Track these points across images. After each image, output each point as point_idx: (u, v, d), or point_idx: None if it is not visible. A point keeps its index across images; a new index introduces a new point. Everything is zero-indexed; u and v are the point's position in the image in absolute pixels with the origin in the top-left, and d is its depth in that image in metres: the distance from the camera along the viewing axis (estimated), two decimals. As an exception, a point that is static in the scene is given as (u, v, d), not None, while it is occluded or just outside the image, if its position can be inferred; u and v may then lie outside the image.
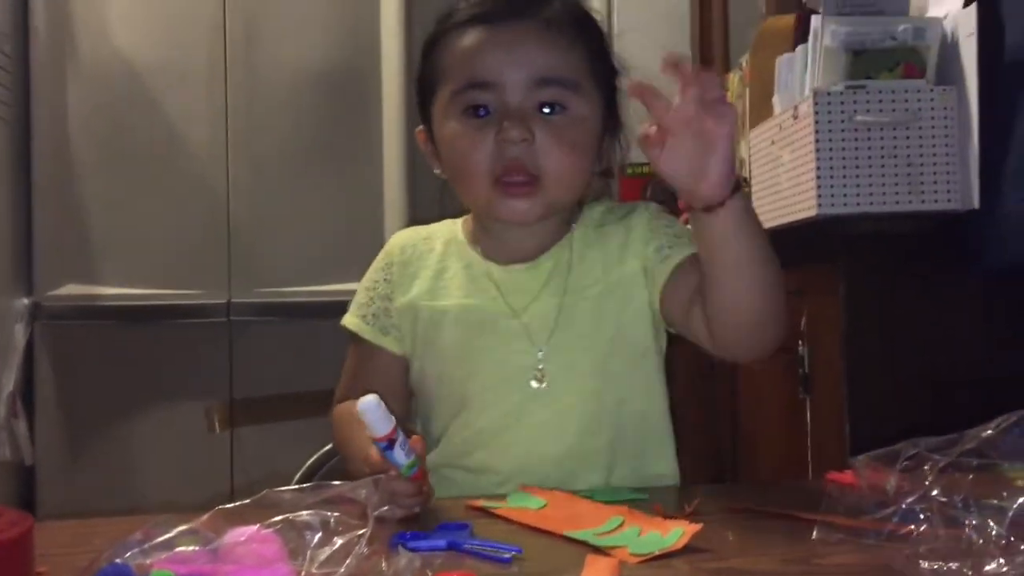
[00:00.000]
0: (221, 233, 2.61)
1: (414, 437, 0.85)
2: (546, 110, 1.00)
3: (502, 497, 0.91)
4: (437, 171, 1.08)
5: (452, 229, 1.12)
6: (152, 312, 2.55)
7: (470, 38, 1.01)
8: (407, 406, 1.11)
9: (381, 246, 2.99)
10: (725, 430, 2.07)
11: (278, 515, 0.62)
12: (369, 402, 0.80)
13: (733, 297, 0.91)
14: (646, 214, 1.07)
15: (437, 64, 1.04)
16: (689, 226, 0.95)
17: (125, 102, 2.61)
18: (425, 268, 1.09)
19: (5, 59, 2.47)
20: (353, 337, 1.11)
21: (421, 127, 1.10)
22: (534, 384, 1.02)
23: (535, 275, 1.05)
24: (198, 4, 2.64)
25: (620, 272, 1.04)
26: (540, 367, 1.02)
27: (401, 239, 1.14)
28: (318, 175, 2.65)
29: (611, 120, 1.07)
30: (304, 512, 0.63)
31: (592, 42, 1.04)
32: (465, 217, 1.14)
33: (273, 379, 2.58)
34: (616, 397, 1.04)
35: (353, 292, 2.88)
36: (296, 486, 0.64)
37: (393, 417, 0.81)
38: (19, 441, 2.45)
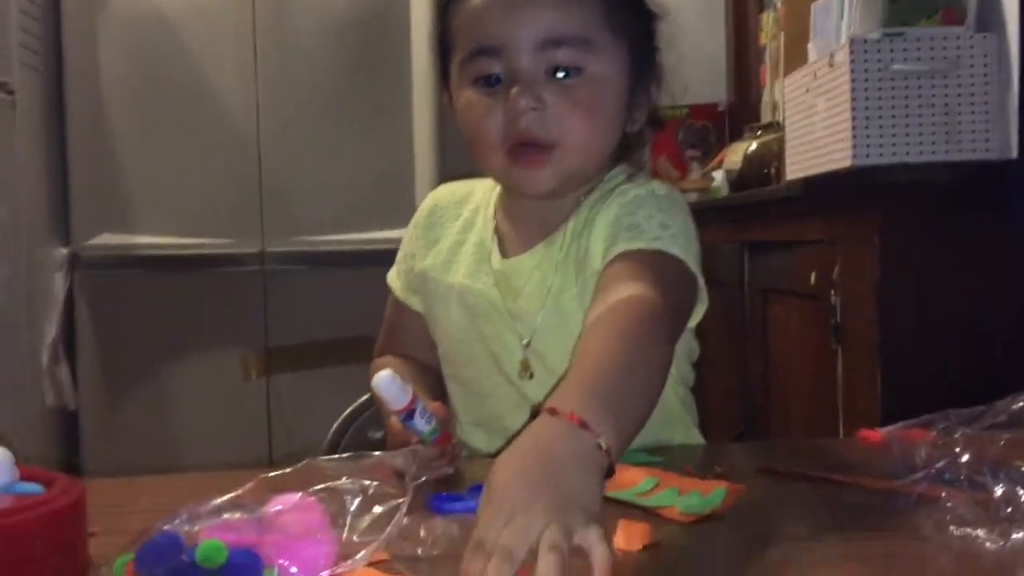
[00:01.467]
0: (253, 182, 2.62)
1: (435, 404, 0.86)
2: (560, 74, 0.93)
3: None
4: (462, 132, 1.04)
5: (488, 194, 1.09)
6: (187, 261, 2.59)
7: (478, 5, 0.95)
8: (437, 358, 1.12)
9: (411, 194, 2.99)
10: (756, 380, 2.08)
11: (319, 484, 0.63)
12: (384, 378, 0.81)
13: None
14: (630, 196, 0.97)
15: (449, 27, 0.99)
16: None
17: (155, 49, 2.61)
18: (446, 237, 1.08)
19: (36, 9, 2.47)
20: (391, 294, 1.13)
21: (446, 94, 1.04)
22: (520, 378, 0.99)
23: (529, 264, 1.00)
24: (226, -51, 2.63)
25: (593, 269, 0.95)
26: (525, 360, 0.99)
27: (436, 199, 1.13)
28: (348, 123, 2.65)
29: (643, 70, 0.99)
30: (345, 480, 0.64)
31: None
32: None
33: (307, 327, 2.61)
34: None
35: (383, 240, 2.89)
36: (336, 456, 0.66)
37: (410, 387, 0.82)
38: (62, 387, 2.51)
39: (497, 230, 1.04)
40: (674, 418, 1.03)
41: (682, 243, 0.91)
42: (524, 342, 0.99)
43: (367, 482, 0.63)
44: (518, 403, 1.00)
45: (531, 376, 0.98)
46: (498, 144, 0.94)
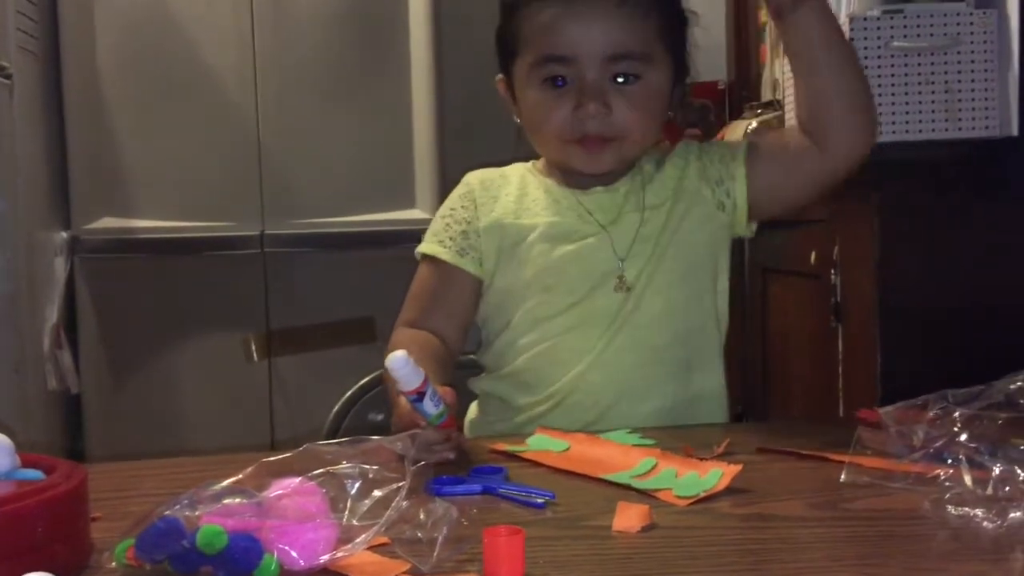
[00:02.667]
0: (253, 165, 2.62)
1: (445, 388, 0.87)
2: (620, 79, 1.07)
3: (522, 439, 0.93)
4: (517, 120, 1.14)
5: (524, 167, 1.19)
6: (187, 244, 2.58)
7: (548, 13, 1.06)
8: (467, 333, 1.16)
9: (411, 176, 2.98)
10: (756, 359, 2.08)
11: (319, 468, 0.64)
12: (398, 358, 0.81)
13: (831, 72, 1.04)
14: (685, 147, 1.16)
15: (517, 31, 1.10)
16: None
17: (153, 32, 2.60)
18: (506, 193, 1.15)
19: (32, -8, 2.46)
20: (428, 262, 1.14)
21: (501, 76, 1.16)
22: (616, 292, 1.08)
23: (614, 197, 1.12)
24: (222, -70, 2.61)
25: (682, 186, 1.12)
26: (622, 275, 1.09)
27: (477, 175, 1.19)
28: (347, 105, 2.64)
29: (681, 71, 1.13)
30: (344, 464, 0.65)
31: (666, 8, 1.09)
32: (534, 160, 1.19)
33: (308, 309, 2.62)
34: (687, 307, 1.11)
35: (383, 222, 2.87)
36: (335, 440, 0.66)
37: (422, 370, 0.83)
38: (64, 371, 2.51)
39: (559, 180, 1.14)
40: (714, 346, 1.13)
41: None
42: (620, 257, 1.09)
43: (367, 466, 0.64)
44: (606, 317, 1.08)
45: (628, 289, 1.08)
46: (564, 137, 1.08)
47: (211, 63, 2.60)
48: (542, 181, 1.15)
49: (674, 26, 1.11)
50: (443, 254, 1.12)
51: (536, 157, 1.19)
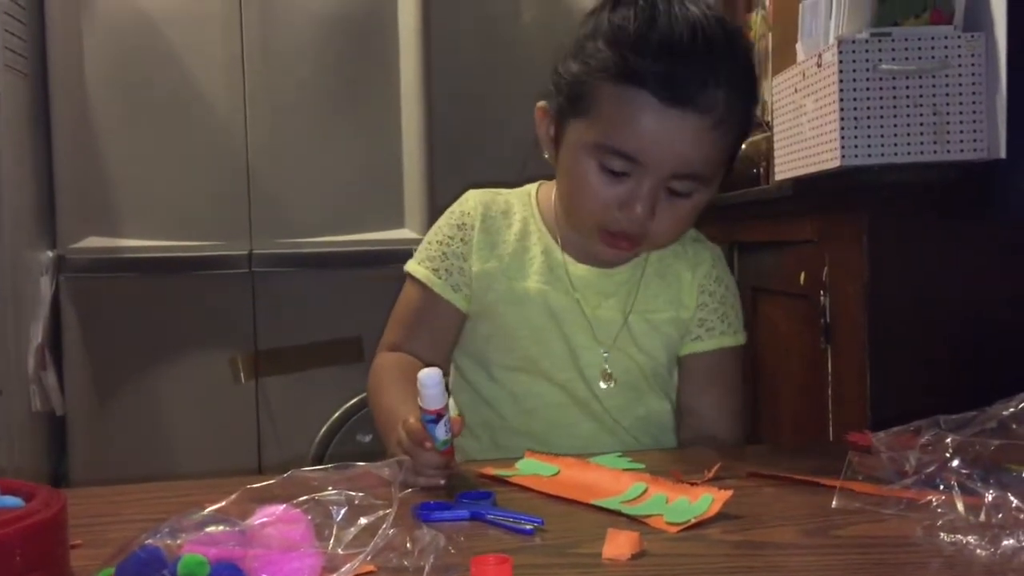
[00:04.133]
0: (241, 184, 2.61)
1: (456, 418, 0.87)
2: (674, 191, 1.01)
3: (511, 463, 0.92)
4: (546, 155, 1.09)
5: (528, 204, 1.15)
6: (174, 264, 2.57)
7: (637, 107, 0.96)
8: (449, 357, 1.16)
9: (400, 196, 2.96)
10: (746, 380, 2.08)
11: (304, 494, 0.62)
12: (432, 375, 0.82)
13: None
14: (707, 267, 1.14)
15: (593, 94, 1.00)
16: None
17: (141, 52, 2.59)
18: (504, 243, 1.12)
19: (20, 11, 2.45)
20: (416, 284, 1.13)
21: (544, 104, 1.07)
22: (602, 384, 1.09)
23: (606, 282, 1.11)
24: (211, -50, 2.61)
25: (677, 313, 1.12)
26: (604, 367, 1.09)
27: (480, 204, 1.15)
28: (336, 125, 2.64)
29: (728, 174, 1.07)
30: (330, 490, 0.63)
31: (746, 128, 1.04)
32: (541, 185, 1.16)
33: (296, 329, 2.60)
34: (657, 405, 1.13)
35: (372, 242, 2.85)
36: (321, 467, 0.65)
37: (447, 395, 0.84)
38: (49, 392, 2.49)
39: (561, 243, 1.11)
40: (669, 429, 1.16)
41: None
42: (603, 351, 1.09)
43: (353, 492, 0.63)
44: (586, 404, 1.09)
45: (613, 381, 1.09)
46: (597, 221, 1.03)
47: (200, 82, 2.60)
48: (543, 237, 1.12)
49: (742, 141, 1.05)
50: (436, 285, 1.11)
51: (544, 177, 1.17)
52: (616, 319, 1.10)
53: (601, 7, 1.02)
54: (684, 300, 1.12)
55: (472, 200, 1.15)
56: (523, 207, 1.15)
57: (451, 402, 1.18)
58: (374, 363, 1.12)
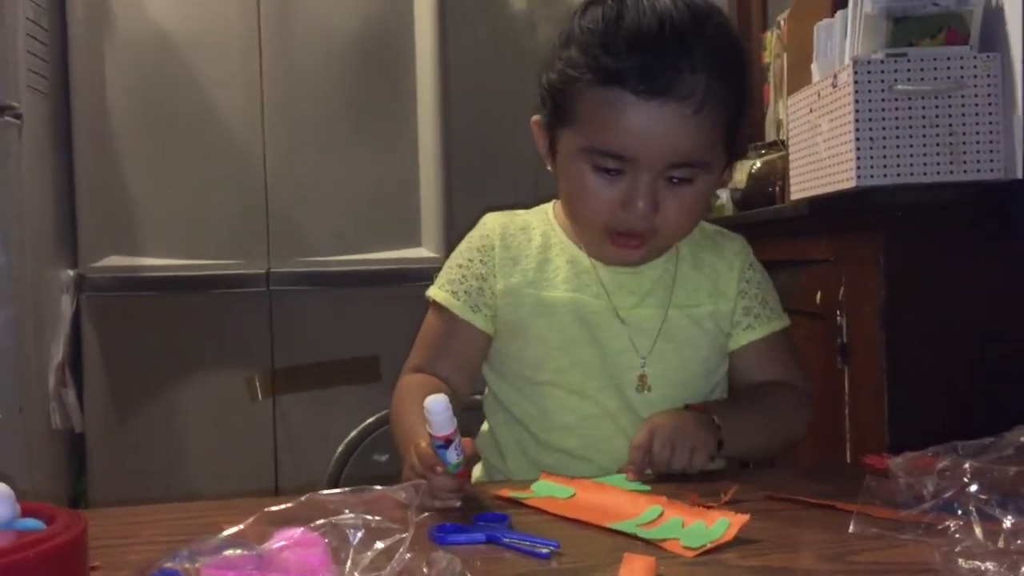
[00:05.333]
0: (259, 203, 2.63)
1: (467, 440, 0.87)
2: (674, 179, 1.01)
3: (526, 485, 0.93)
4: (549, 168, 1.09)
5: (546, 220, 1.15)
6: (193, 283, 2.59)
7: (615, 105, 0.97)
8: (476, 381, 1.16)
9: (416, 215, 2.98)
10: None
11: (321, 518, 0.63)
12: (439, 402, 0.82)
13: (765, 454, 1.20)
14: (742, 255, 1.15)
15: (573, 100, 1.01)
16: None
17: (161, 73, 2.62)
18: (526, 257, 1.11)
19: (44, 33, 2.48)
20: (438, 309, 1.13)
21: (537, 118, 1.08)
22: (636, 392, 1.07)
23: (640, 280, 1.10)
24: (231, -29, 2.64)
25: (716, 306, 1.11)
26: (642, 375, 1.07)
27: (498, 225, 1.15)
28: (353, 144, 2.66)
29: (733, 157, 1.07)
30: (347, 513, 0.64)
31: (736, 107, 1.02)
32: (556, 205, 1.16)
33: (313, 348, 2.62)
34: (703, 390, 1.11)
35: (389, 261, 2.86)
36: (338, 490, 0.65)
37: (456, 420, 0.84)
38: (69, 410, 2.51)
39: (586, 250, 1.11)
40: None
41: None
42: (640, 356, 1.07)
43: (369, 516, 0.63)
44: (621, 412, 1.07)
45: (648, 389, 1.07)
46: (602, 223, 1.03)
47: (219, 103, 2.63)
48: (565, 246, 1.12)
49: (737, 119, 1.03)
50: (455, 307, 1.10)
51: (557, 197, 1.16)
52: (655, 316, 1.08)
53: (572, 15, 1.03)
54: (723, 290, 1.12)
55: (490, 222, 1.16)
56: (541, 222, 1.15)
57: (484, 425, 1.19)
58: (397, 385, 1.12)
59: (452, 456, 0.84)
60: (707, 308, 1.11)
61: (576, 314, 1.08)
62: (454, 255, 1.16)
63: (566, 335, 1.08)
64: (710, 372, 1.12)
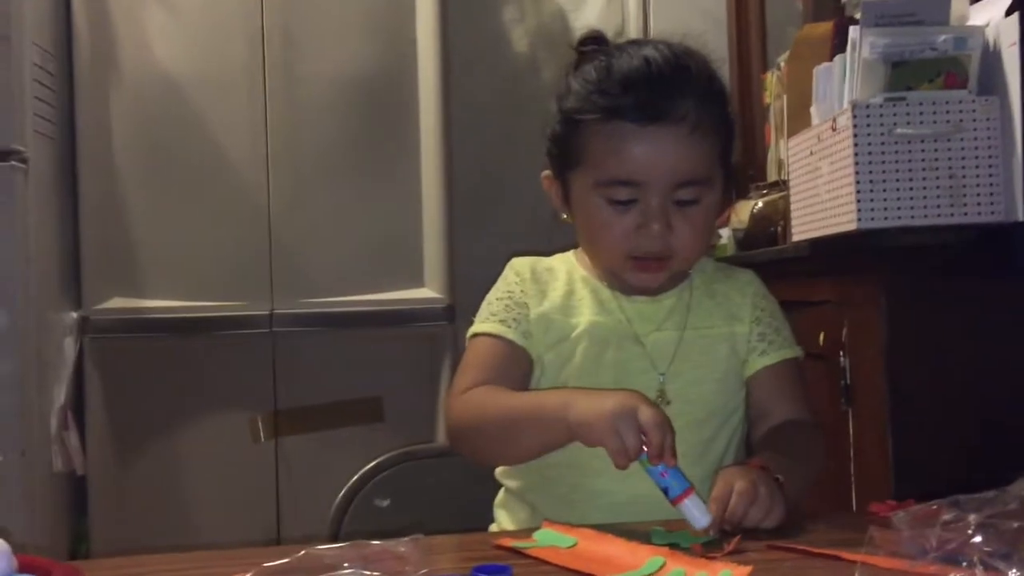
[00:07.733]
0: (263, 245, 2.64)
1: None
2: (681, 201, 1.08)
3: (528, 535, 0.92)
4: (563, 216, 1.16)
5: (569, 262, 1.21)
6: (197, 324, 2.59)
7: (620, 134, 1.06)
8: None
9: (420, 256, 2.97)
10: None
11: (319, 573, 0.63)
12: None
13: None
14: (754, 285, 1.20)
15: (583, 143, 1.10)
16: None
17: (167, 116, 2.65)
18: (553, 289, 1.17)
19: (50, 78, 2.51)
20: (485, 340, 1.14)
21: (548, 173, 1.16)
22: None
23: (657, 308, 1.15)
24: (236, 16, 2.67)
25: (731, 328, 1.16)
26: (663, 390, 1.11)
27: (526, 265, 1.20)
28: (357, 186, 2.67)
29: (729, 180, 1.15)
30: (345, 568, 0.64)
31: (725, 133, 1.12)
32: (578, 252, 1.21)
33: (316, 389, 2.61)
34: (719, 432, 1.14)
35: (393, 301, 2.86)
36: (337, 544, 0.65)
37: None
38: (71, 452, 2.50)
39: (607, 284, 1.16)
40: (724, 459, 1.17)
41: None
42: (660, 372, 1.12)
43: (367, 573, 0.63)
44: None
45: (668, 403, 1.10)
46: (621, 251, 1.10)
47: (223, 146, 2.65)
48: (588, 280, 1.17)
49: (729, 143, 1.13)
50: (509, 334, 1.13)
51: (575, 246, 1.20)
52: (672, 338, 1.13)
53: (564, 73, 1.14)
54: (737, 315, 1.17)
55: (518, 264, 1.21)
56: (564, 264, 1.20)
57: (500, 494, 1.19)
58: (458, 402, 1.10)
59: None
60: (722, 330, 1.15)
61: (597, 337, 1.13)
62: (487, 299, 1.18)
63: (586, 357, 1.12)
64: (728, 392, 1.15)
